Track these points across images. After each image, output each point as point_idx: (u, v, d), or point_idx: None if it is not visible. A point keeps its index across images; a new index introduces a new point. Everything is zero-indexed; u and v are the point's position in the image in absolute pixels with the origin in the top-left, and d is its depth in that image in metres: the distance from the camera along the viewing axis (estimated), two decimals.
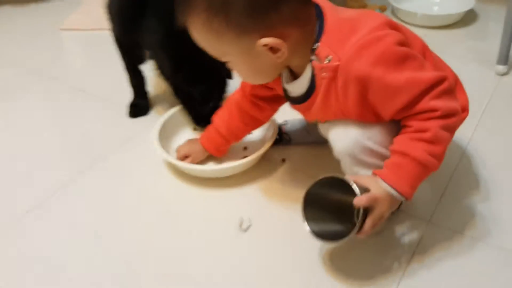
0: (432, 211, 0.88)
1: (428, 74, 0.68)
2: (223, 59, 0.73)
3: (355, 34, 0.67)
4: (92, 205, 0.96)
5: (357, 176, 0.72)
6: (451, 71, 0.84)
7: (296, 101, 0.81)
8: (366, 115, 0.72)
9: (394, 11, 1.66)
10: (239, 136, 0.99)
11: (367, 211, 0.68)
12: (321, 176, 0.73)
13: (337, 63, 0.67)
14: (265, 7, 0.64)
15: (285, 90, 0.82)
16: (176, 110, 1.12)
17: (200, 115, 1.09)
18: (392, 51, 0.67)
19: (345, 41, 0.67)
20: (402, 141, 0.69)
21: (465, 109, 0.82)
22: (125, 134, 1.15)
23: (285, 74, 0.79)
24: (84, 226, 0.91)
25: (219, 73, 1.07)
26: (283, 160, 1.04)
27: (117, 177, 1.04)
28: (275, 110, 0.96)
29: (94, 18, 1.77)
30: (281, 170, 1.01)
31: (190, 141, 1.05)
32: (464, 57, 1.37)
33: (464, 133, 1.06)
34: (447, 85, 0.68)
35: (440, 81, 0.68)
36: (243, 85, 0.93)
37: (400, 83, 0.66)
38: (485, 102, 1.17)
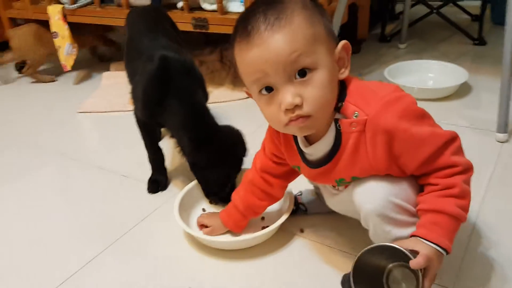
0: (454, 278, 0.89)
1: (444, 131, 0.75)
2: (311, 59, 0.70)
3: (377, 95, 0.74)
4: (115, 284, 0.96)
5: (399, 241, 0.74)
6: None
7: (316, 164, 0.82)
8: (393, 168, 0.76)
9: None
10: (256, 211, 1.02)
11: (418, 273, 0.70)
12: (369, 246, 0.75)
13: (365, 117, 0.73)
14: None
15: (302, 156, 0.85)
16: (194, 184, 1.16)
17: (215, 195, 1.14)
18: (413, 108, 0.74)
19: (369, 99, 0.74)
20: (432, 199, 0.74)
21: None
22: (145, 209, 1.18)
23: (300, 139, 0.83)
24: None
25: (236, 153, 1.13)
26: (302, 231, 1.05)
27: (138, 252, 1.04)
28: (285, 186, 1.01)
29: (108, 101, 1.88)
30: (298, 242, 1.03)
31: (210, 214, 1.08)
32: (462, 126, 1.43)
33: (474, 199, 1.08)
34: (460, 142, 0.76)
35: (455, 137, 0.75)
36: (255, 162, 0.98)
37: (424, 135, 0.72)
38: (490, 171, 1.20)
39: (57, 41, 2.05)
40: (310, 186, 1.09)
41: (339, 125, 0.76)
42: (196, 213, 1.13)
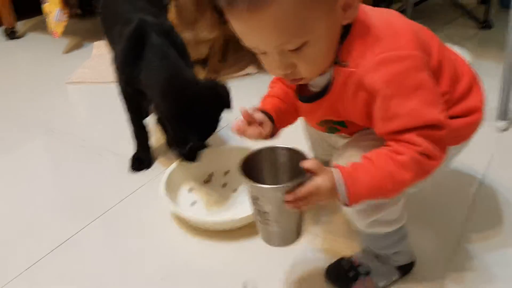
0: (444, 272, 0.86)
1: (432, 113, 0.66)
2: (302, 39, 0.63)
3: (378, 47, 0.66)
4: (95, 259, 0.94)
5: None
6: (469, 69, 0.83)
7: (309, 99, 0.78)
8: (369, 124, 0.72)
9: None
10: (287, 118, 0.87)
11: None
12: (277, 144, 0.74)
13: (352, 69, 0.67)
14: None
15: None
16: (179, 163, 1.12)
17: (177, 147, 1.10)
18: (408, 76, 0.66)
19: (366, 51, 0.67)
20: (376, 152, 0.68)
21: (478, 110, 0.80)
22: (128, 187, 1.15)
23: None
24: (87, 280, 0.89)
25: (216, 111, 1.05)
26: None
27: (120, 230, 1.02)
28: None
29: (99, 72, 1.82)
30: None
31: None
32: None
33: (469, 189, 1.06)
34: (444, 133, 0.67)
35: (439, 126, 0.66)
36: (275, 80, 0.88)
37: (402, 110, 0.66)
38: (487, 158, 1.17)
39: (46, 7, 1.97)
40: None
41: (332, 68, 0.71)
42: (182, 193, 1.10)
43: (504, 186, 1.08)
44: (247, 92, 1.59)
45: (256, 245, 0.95)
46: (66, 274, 0.91)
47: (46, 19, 2.00)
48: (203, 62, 1.74)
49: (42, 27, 2.31)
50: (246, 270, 0.89)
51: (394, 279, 0.83)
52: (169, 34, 1.11)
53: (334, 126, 0.80)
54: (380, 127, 0.69)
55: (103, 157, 1.29)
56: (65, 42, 2.15)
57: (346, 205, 0.67)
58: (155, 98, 1.06)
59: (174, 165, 1.11)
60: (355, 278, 0.82)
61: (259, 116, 0.80)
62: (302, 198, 0.65)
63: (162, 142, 1.32)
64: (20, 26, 2.36)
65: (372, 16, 0.70)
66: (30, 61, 2.02)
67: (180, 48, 1.12)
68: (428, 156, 0.66)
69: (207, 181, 1.14)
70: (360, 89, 0.68)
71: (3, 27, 2.25)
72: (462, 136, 0.80)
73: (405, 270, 0.84)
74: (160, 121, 1.23)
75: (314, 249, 0.94)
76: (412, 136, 0.66)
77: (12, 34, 2.25)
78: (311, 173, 0.66)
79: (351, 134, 0.80)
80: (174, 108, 1.01)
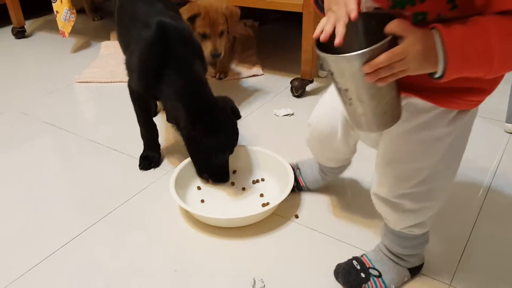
0: (452, 274, 0.86)
1: None
2: None
3: None
4: (105, 255, 0.95)
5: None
6: None
7: None
8: None
9: None
10: None
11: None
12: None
13: None
14: None
15: None
16: (188, 161, 1.12)
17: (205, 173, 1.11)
18: None
19: None
20: (495, 19, 0.53)
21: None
22: (136, 185, 1.15)
23: None
24: (99, 275, 0.89)
25: (233, 123, 1.08)
26: (296, 216, 1.02)
27: (128, 227, 1.02)
28: None
29: (109, 71, 1.83)
30: (292, 227, 1.00)
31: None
32: None
33: (478, 193, 1.06)
34: None
35: None
36: None
37: None
38: (497, 160, 1.17)
39: (55, 6, 1.98)
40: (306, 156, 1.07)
41: None
42: (191, 192, 1.10)
43: None
44: (255, 93, 1.61)
45: (264, 242, 0.96)
46: (77, 270, 0.91)
47: (56, 18, 2.01)
48: (213, 63, 1.75)
49: (50, 27, 2.34)
50: (255, 266, 0.89)
51: (405, 280, 0.83)
52: (189, 40, 1.11)
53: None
54: None
55: (112, 156, 1.29)
56: (73, 41, 2.16)
57: (440, 78, 0.56)
58: (179, 112, 1.06)
59: (183, 163, 1.12)
60: (367, 279, 0.81)
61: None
62: (384, 66, 0.53)
63: (171, 141, 1.32)
64: (28, 25, 2.38)
65: None
66: (39, 60, 2.03)
67: (198, 53, 1.12)
68: None
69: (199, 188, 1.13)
70: None
71: (12, 26, 2.26)
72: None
73: (416, 271, 0.85)
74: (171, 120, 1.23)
75: (324, 246, 0.94)
76: None
77: (20, 33, 2.26)
78: (397, 36, 0.54)
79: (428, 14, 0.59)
80: (208, 126, 1.03)
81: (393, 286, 0.82)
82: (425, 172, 0.70)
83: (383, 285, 0.81)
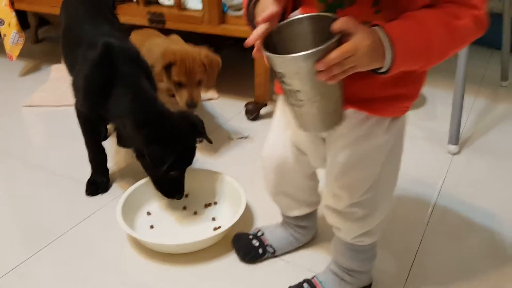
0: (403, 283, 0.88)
1: None
2: None
3: None
4: (48, 284, 0.90)
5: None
6: None
7: None
8: None
9: None
10: None
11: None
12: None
13: None
14: None
15: None
16: (137, 185, 1.10)
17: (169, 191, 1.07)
18: None
19: None
20: (426, 11, 0.59)
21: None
22: (83, 211, 1.11)
23: None
24: None
25: (182, 137, 1.04)
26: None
27: (74, 254, 0.98)
28: None
29: (58, 95, 1.77)
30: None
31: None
32: (416, 136, 1.44)
33: (424, 207, 1.10)
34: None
35: None
36: None
37: None
38: (440, 182, 1.21)
39: (3, 29, 1.92)
40: (273, 221, 1.02)
41: None
42: (140, 217, 1.07)
43: (457, 206, 1.12)
44: (210, 117, 1.61)
45: (216, 267, 0.94)
46: None
47: (3, 41, 1.94)
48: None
49: None
50: None
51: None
52: (136, 59, 1.10)
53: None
54: None
55: (59, 181, 1.24)
56: (22, 64, 2.09)
57: (386, 72, 0.59)
58: (127, 128, 1.04)
59: (132, 188, 1.09)
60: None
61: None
62: (336, 64, 0.54)
63: (121, 165, 1.29)
64: None
65: None
66: None
67: (146, 72, 1.11)
68: (479, 25, 0.60)
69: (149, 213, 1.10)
70: None
71: None
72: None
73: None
74: (123, 144, 1.21)
75: (276, 268, 0.93)
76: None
77: None
78: (345, 34, 0.55)
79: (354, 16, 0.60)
80: (151, 135, 1.00)
81: None
82: (370, 181, 0.73)
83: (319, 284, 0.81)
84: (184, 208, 1.11)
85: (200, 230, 1.02)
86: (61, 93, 1.78)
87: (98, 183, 1.18)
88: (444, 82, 1.82)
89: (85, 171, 1.21)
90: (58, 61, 2.09)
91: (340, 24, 0.55)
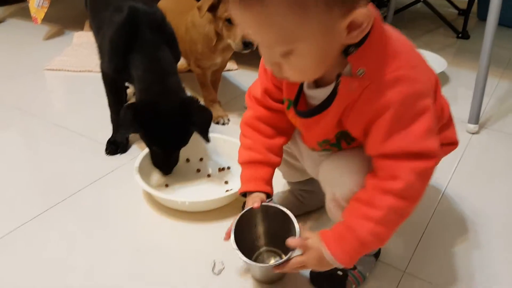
0: (407, 261, 0.88)
1: (430, 142, 0.64)
2: (286, 49, 0.60)
3: (395, 59, 0.63)
4: (64, 238, 0.93)
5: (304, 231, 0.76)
6: (448, 106, 0.83)
7: (307, 114, 0.73)
8: (363, 138, 0.69)
9: None
10: (276, 152, 0.83)
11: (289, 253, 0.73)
12: (274, 205, 0.80)
13: (368, 82, 0.63)
14: None
15: (298, 98, 0.74)
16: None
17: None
18: (416, 100, 0.63)
19: (384, 62, 0.63)
20: (354, 211, 0.68)
21: (455, 143, 0.84)
22: (101, 169, 1.13)
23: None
24: (55, 259, 0.88)
25: (181, 125, 1.03)
26: None
27: (89, 210, 1.01)
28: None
29: (80, 60, 1.80)
30: None
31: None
32: None
33: (438, 187, 1.09)
34: (432, 165, 0.65)
35: (431, 155, 0.64)
36: (250, 95, 0.87)
37: (404, 133, 0.63)
38: (458, 159, 1.20)
39: None
40: (281, 188, 1.04)
41: (339, 80, 0.65)
42: (156, 177, 1.10)
43: (471, 186, 1.11)
44: (230, 87, 1.62)
45: (226, 226, 0.94)
46: (33, 250, 0.89)
47: (29, 4, 1.97)
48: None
49: (23, 14, 2.28)
50: (216, 249, 0.89)
51: (373, 265, 0.86)
52: (161, 26, 1.10)
53: (330, 148, 0.76)
54: (374, 146, 0.66)
55: (79, 140, 1.27)
56: (46, 29, 2.12)
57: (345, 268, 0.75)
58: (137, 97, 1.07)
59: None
60: (346, 275, 0.82)
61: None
62: (289, 271, 0.75)
63: None
64: (1, 12, 2.33)
65: (387, 28, 0.66)
66: (9, 46, 1.98)
67: (170, 40, 1.12)
68: (404, 197, 0.64)
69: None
70: (372, 102, 0.63)
71: None
72: None
73: (377, 256, 0.87)
74: None
75: None
76: (400, 164, 0.64)
77: None
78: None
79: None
80: (140, 104, 1.02)
81: (368, 274, 0.84)
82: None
83: (361, 276, 0.83)
84: (198, 170, 1.13)
85: (213, 191, 1.04)
86: (82, 59, 1.81)
87: (118, 143, 1.20)
88: (468, 63, 1.78)
89: (104, 134, 1.24)
90: (81, 28, 2.12)
91: (295, 243, 0.72)
